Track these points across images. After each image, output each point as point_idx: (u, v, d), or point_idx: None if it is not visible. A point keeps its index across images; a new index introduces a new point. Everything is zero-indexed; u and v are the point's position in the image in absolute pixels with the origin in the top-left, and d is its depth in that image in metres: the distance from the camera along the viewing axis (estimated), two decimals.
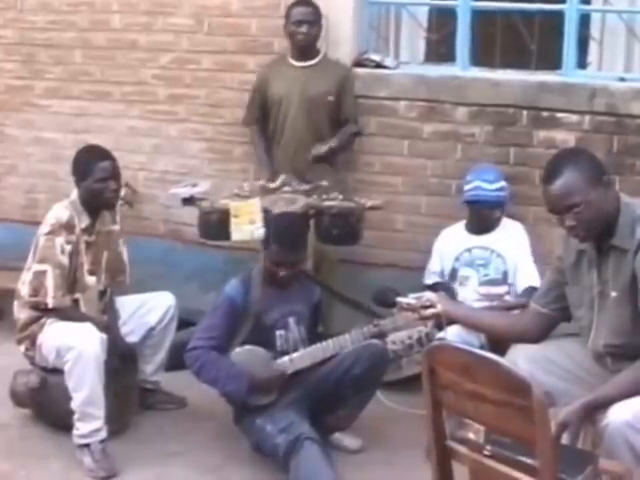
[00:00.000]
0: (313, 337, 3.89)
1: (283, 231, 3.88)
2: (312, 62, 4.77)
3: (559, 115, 4.57)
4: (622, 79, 4.59)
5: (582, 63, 4.80)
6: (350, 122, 4.80)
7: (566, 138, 4.54)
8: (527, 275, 4.20)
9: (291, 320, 3.86)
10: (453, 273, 4.39)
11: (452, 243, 4.42)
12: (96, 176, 3.90)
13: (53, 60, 5.67)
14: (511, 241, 4.31)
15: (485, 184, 4.29)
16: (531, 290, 4.05)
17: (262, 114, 4.86)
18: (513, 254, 4.27)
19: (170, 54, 5.36)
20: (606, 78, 4.63)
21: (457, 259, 4.38)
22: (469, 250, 4.35)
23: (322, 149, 4.61)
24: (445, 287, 4.28)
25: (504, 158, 4.70)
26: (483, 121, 4.73)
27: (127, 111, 5.52)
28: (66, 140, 5.62)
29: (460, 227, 4.46)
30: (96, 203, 3.99)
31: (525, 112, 4.64)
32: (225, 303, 3.79)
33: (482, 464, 2.40)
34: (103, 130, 5.50)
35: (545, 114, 4.60)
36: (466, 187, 4.36)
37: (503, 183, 4.35)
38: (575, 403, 2.74)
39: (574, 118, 4.55)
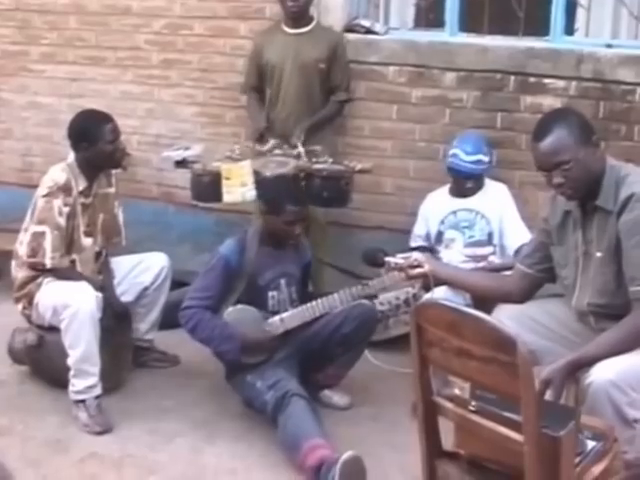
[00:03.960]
0: (303, 297, 3.87)
1: (293, 191, 3.91)
2: (305, 29, 4.70)
3: (546, 81, 4.53)
4: (609, 45, 4.54)
5: (569, 29, 4.75)
6: (340, 89, 4.74)
7: (553, 103, 4.49)
8: (517, 234, 4.18)
9: (282, 281, 3.84)
10: (439, 236, 4.37)
11: (437, 207, 4.41)
12: (106, 138, 3.89)
13: (48, 26, 5.60)
14: (495, 202, 4.29)
15: (462, 154, 4.27)
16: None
17: (259, 81, 4.80)
18: (497, 215, 4.26)
19: (163, 19, 5.29)
20: (593, 44, 4.57)
21: (442, 222, 4.36)
22: (454, 213, 4.34)
23: (300, 138, 4.52)
24: (430, 251, 4.27)
25: (491, 123, 4.66)
26: (471, 86, 4.69)
27: (121, 76, 5.47)
28: (61, 104, 5.58)
29: (444, 191, 4.44)
30: (108, 164, 4.00)
31: (512, 78, 4.59)
32: (220, 263, 3.76)
33: (467, 419, 2.40)
34: (97, 94, 5.46)
35: (532, 80, 4.56)
36: (449, 152, 4.34)
37: (481, 157, 4.29)
38: (559, 361, 2.72)
39: (561, 84, 4.50)
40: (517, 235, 4.18)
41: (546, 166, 2.91)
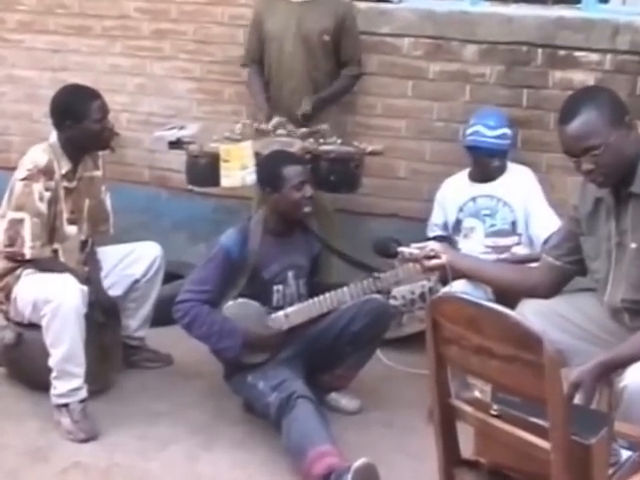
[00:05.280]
0: (312, 290, 3.88)
1: (288, 154, 3.95)
2: None
3: (577, 54, 4.53)
4: None
5: None
6: (351, 63, 4.75)
7: (585, 79, 4.50)
8: (545, 223, 4.14)
9: (290, 274, 3.85)
10: (457, 225, 4.38)
11: (455, 193, 4.41)
12: (93, 117, 3.89)
13: None
14: (519, 188, 4.29)
15: (485, 129, 4.27)
16: None
17: (260, 53, 4.81)
18: (522, 202, 4.26)
19: None
20: (630, 13, 4.57)
21: (461, 209, 4.37)
22: (473, 199, 4.34)
23: (308, 107, 4.56)
24: (448, 241, 4.26)
25: (516, 100, 4.67)
26: (494, 60, 4.69)
27: (108, 47, 5.47)
28: (42, 78, 5.59)
29: (463, 175, 4.44)
30: (94, 145, 4.00)
31: (540, 50, 4.60)
32: (220, 254, 3.76)
33: (488, 424, 2.40)
34: (82, 68, 5.46)
35: (562, 53, 4.56)
36: (467, 131, 4.35)
37: (506, 130, 4.32)
38: (590, 362, 2.71)
39: (594, 57, 4.50)
40: (545, 224, 4.15)
41: (574, 151, 2.89)
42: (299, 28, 4.65)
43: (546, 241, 4.03)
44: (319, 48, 4.67)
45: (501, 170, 4.34)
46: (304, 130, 4.40)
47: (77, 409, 3.73)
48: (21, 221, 3.83)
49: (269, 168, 3.87)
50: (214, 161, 4.27)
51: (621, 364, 2.73)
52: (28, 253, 3.84)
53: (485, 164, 4.31)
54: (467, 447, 2.56)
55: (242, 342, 3.67)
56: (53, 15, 5.55)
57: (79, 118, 3.88)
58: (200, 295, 3.71)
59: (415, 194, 4.84)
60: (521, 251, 4.19)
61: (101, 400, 3.93)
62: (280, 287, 3.83)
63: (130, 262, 4.17)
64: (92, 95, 3.96)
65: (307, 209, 3.80)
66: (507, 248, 4.23)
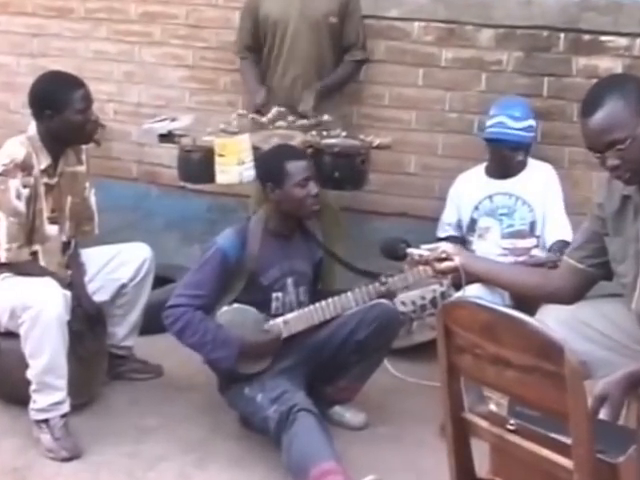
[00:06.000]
0: (313, 298, 3.89)
1: (290, 147, 3.98)
2: None
3: (604, 38, 4.55)
4: None
5: None
6: (355, 48, 4.77)
7: (612, 66, 4.51)
8: (557, 227, 4.21)
9: (289, 281, 3.86)
10: (471, 224, 4.40)
11: (470, 190, 4.43)
12: (76, 107, 3.88)
13: None
14: (540, 186, 4.31)
15: (509, 121, 4.28)
16: (561, 244, 4.05)
17: (254, 40, 4.82)
18: (542, 201, 4.27)
19: None
20: None
21: (476, 208, 4.39)
22: (490, 197, 4.36)
23: (308, 107, 4.57)
24: (461, 242, 4.28)
25: (536, 90, 4.69)
26: (512, 46, 4.72)
27: (93, 32, 5.49)
28: (20, 65, 5.61)
29: (479, 171, 4.45)
30: (76, 138, 3.99)
31: (562, 35, 4.62)
32: (216, 257, 3.77)
33: (505, 440, 2.41)
34: (64, 54, 5.49)
35: (587, 37, 4.58)
36: (488, 122, 4.36)
37: (531, 122, 4.34)
38: (616, 373, 2.71)
39: (622, 42, 4.53)
40: (557, 229, 4.21)
41: (598, 146, 2.88)
42: (303, 10, 4.68)
43: (551, 248, 4.08)
44: (326, 32, 4.70)
45: (522, 166, 4.35)
46: (306, 122, 4.41)
47: (58, 425, 3.73)
48: None
49: (271, 162, 3.88)
50: (208, 155, 4.27)
51: None
52: (3, 256, 3.83)
53: (508, 158, 4.32)
54: (482, 465, 2.56)
55: (238, 351, 3.67)
56: None
57: (60, 108, 3.87)
58: (193, 300, 3.72)
59: (426, 191, 4.86)
60: (541, 253, 4.21)
61: (85, 415, 3.94)
62: (279, 294, 3.84)
63: (117, 265, 4.17)
64: (75, 83, 3.96)
65: (314, 207, 3.82)
66: (526, 250, 4.24)
